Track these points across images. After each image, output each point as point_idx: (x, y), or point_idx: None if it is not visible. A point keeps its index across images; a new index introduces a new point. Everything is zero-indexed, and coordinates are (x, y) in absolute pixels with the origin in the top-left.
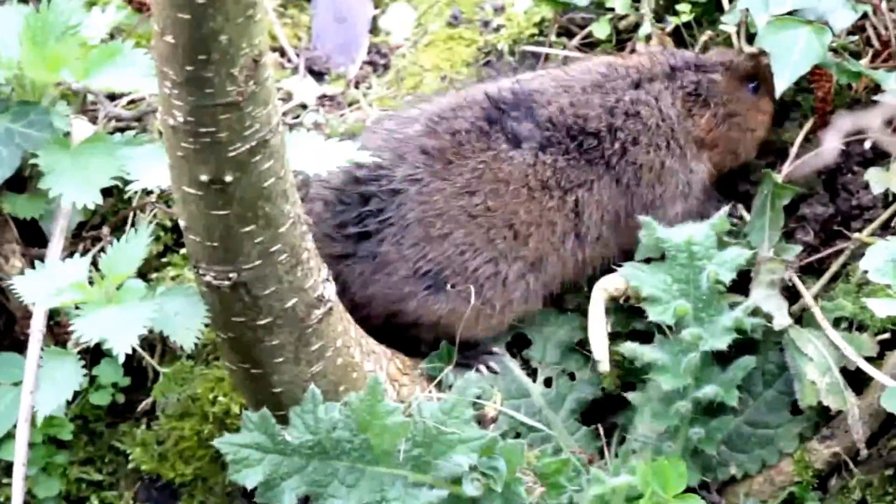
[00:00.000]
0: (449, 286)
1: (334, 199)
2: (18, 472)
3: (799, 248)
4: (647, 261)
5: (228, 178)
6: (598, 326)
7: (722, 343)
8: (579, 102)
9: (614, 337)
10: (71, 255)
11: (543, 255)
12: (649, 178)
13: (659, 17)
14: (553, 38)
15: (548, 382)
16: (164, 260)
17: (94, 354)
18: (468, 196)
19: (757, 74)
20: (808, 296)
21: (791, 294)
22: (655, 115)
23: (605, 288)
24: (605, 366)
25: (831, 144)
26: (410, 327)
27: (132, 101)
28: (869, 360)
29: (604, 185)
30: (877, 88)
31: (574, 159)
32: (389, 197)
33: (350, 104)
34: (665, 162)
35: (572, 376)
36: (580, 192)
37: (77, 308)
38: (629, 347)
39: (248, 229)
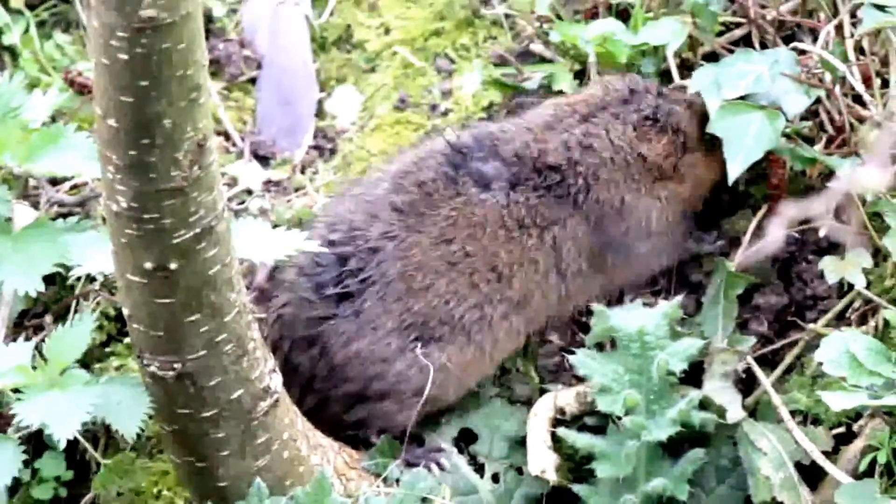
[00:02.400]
0: (436, 338)
1: (309, 263)
2: None
3: (753, 340)
4: (601, 348)
5: (173, 266)
6: (538, 442)
7: (665, 434)
8: (540, 139)
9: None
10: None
11: (528, 294)
12: (612, 215)
13: None
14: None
15: (495, 478)
16: (107, 349)
17: (36, 446)
18: (445, 245)
19: None
20: (767, 384)
21: (745, 386)
22: (609, 148)
23: (550, 407)
24: (551, 475)
25: (776, 232)
26: (384, 400)
27: (75, 186)
28: (824, 454)
29: (576, 223)
30: (831, 175)
31: (543, 196)
32: (368, 255)
33: (296, 189)
34: (624, 198)
35: (520, 471)
36: (555, 229)
37: (19, 392)
38: (572, 437)
39: (192, 318)
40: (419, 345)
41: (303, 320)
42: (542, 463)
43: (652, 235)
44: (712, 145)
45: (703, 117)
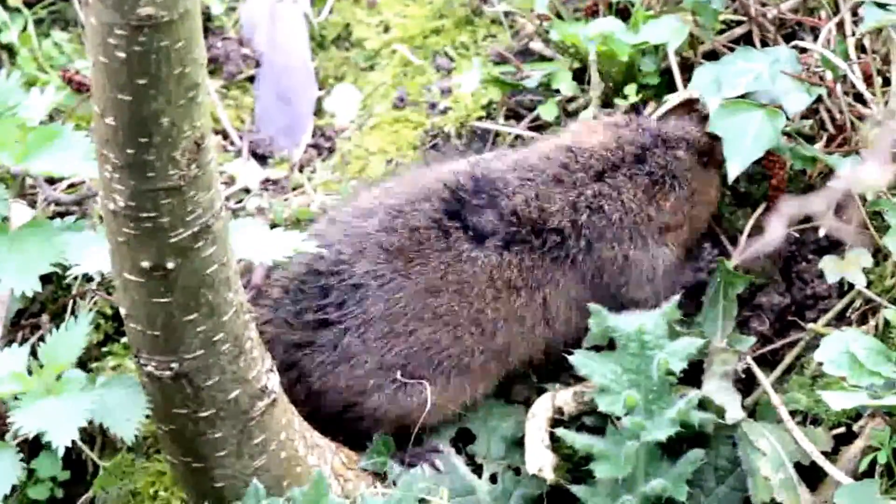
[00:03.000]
0: (417, 379)
1: (294, 287)
2: None
3: (753, 339)
4: (599, 349)
5: (170, 265)
6: (536, 442)
7: (664, 434)
8: (543, 196)
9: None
10: (10, 343)
11: (512, 344)
12: (612, 272)
13: (607, 99)
14: (501, 120)
15: (493, 478)
16: (104, 349)
17: (32, 446)
18: (432, 297)
19: (712, 149)
20: (766, 384)
21: (744, 386)
22: (619, 210)
23: (548, 407)
24: (548, 474)
25: (777, 230)
26: (362, 421)
27: (72, 185)
28: (823, 454)
29: (570, 281)
30: (831, 173)
31: (539, 258)
32: (351, 291)
33: (294, 188)
34: (628, 255)
35: (518, 471)
36: (547, 289)
37: (16, 398)
38: (571, 437)
39: (190, 318)
40: (399, 382)
41: (282, 342)
42: (540, 462)
43: (653, 281)
44: (709, 165)
45: (702, 151)
